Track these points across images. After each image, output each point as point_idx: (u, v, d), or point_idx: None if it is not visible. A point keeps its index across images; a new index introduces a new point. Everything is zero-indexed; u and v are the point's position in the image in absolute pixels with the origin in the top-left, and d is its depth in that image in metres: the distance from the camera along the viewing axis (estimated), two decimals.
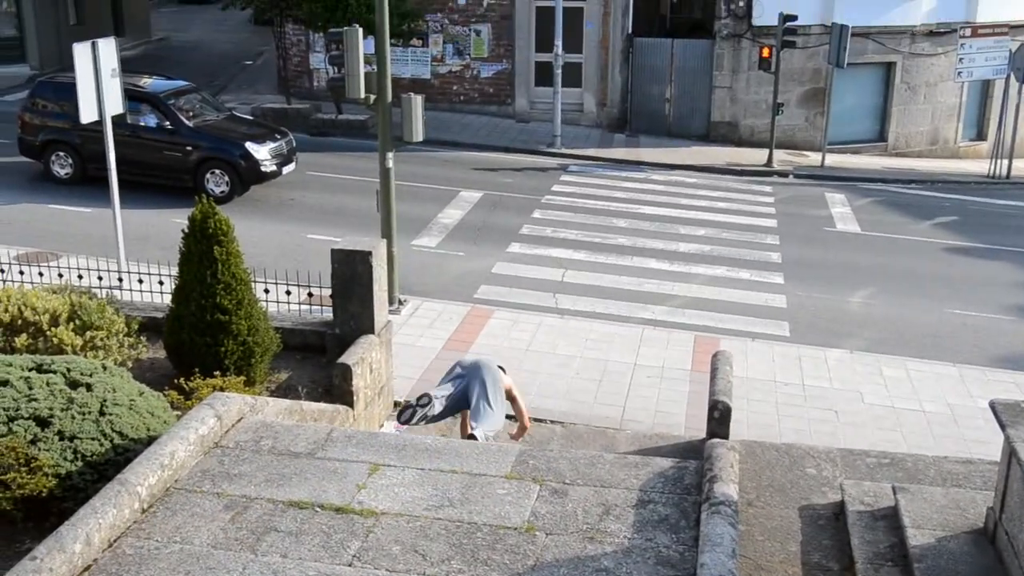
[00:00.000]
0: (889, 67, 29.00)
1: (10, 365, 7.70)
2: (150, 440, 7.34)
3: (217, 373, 9.78)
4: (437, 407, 9.64)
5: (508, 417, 10.45)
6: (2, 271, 12.69)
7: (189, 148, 19.98)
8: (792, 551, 6.93)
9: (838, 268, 18.58)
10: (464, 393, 9.84)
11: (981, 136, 30.91)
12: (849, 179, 25.76)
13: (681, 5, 34.17)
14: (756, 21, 27.78)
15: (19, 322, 9.75)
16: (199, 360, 9.95)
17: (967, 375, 14.01)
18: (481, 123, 28.83)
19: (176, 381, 9.85)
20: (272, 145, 20.61)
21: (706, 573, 5.94)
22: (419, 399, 9.57)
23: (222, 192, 19.94)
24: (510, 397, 10.25)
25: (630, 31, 28.62)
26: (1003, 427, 6.24)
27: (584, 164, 25.71)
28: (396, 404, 12.09)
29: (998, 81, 28.33)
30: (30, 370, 7.72)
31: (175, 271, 10.45)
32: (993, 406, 6.46)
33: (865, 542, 6.73)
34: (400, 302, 15.16)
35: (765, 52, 26.01)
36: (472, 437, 9.36)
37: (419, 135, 14.37)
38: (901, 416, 12.70)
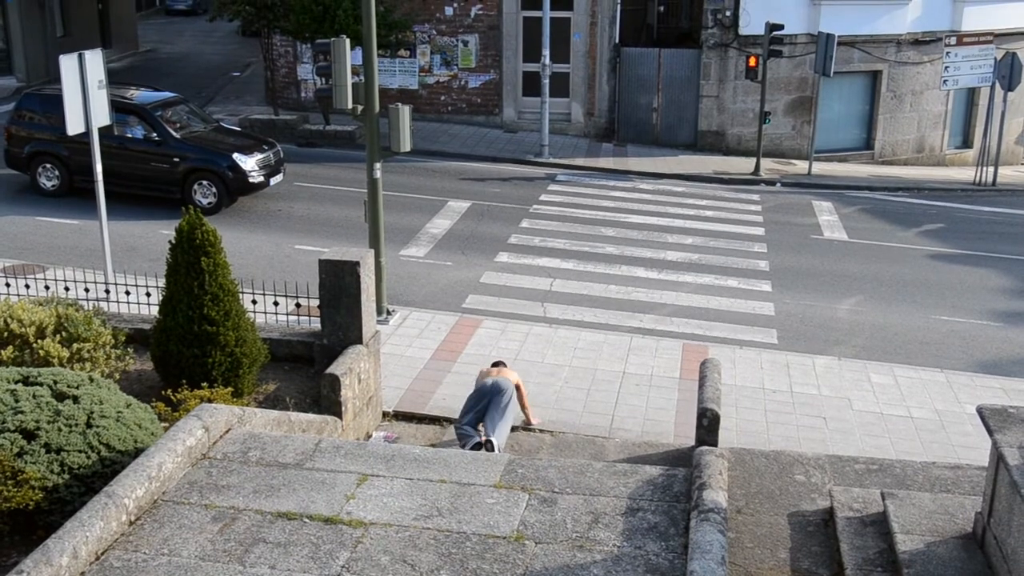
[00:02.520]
0: (875, 75, 29.13)
1: None
2: (137, 452, 7.32)
3: (204, 384, 9.75)
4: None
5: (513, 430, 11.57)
6: None
7: (176, 159, 19.95)
8: (781, 558, 6.93)
9: (826, 276, 18.62)
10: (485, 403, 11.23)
11: (967, 144, 31.06)
12: (836, 187, 25.83)
13: (668, 15, 34.28)
14: (743, 30, 27.87)
15: (5, 334, 9.71)
16: (186, 371, 9.93)
17: (955, 381, 14.04)
18: (469, 133, 28.85)
19: (163, 393, 9.83)
20: (260, 156, 20.59)
21: None
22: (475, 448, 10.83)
23: (209, 203, 19.90)
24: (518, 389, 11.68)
25: (617, 41, 28.70)
26: (991, 432, 6.26)
27: (572, 174, 25.73)
28: (385, 415, 12.09)
29: (983, 89, 28.47)
30: (16, 382, 7.68)
31: (162, 282, 10.43)
32: (981, 411, 6.48)
33: (854, 548, 6.73)
34: (388, 312, 15.14)
35: (752, 61, 26.10)
36: (489, 443, 10.73)
37: (407, 145, 14.36)
38: (889, 422, 12.72)
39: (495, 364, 12.08)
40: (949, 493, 7.60)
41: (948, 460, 10.34)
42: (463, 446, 10.91)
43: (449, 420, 12.10)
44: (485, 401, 11.29)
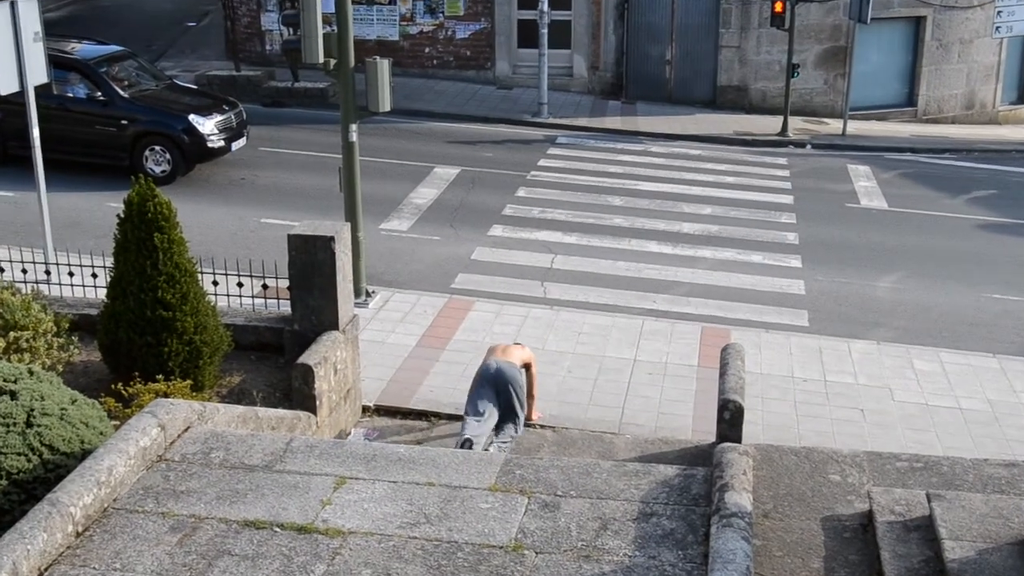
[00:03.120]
0: (918, 22, 29.07)
1: None
2: (84, 454, 7.32)
3: (160, 377, 9.76)
4: (482, 442, 10.62)
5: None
6: None
7: (124, 122, 19.88)
8: (815, 568, 6.95)
9: (863, 249, 18.64)
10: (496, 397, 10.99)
11: (1022, 99, 31.04)
12: (874, 149, 25.82)
13: None
14: None
15: None
16: (139, 362, 9.93)
17: (1009, 367, 14.08)
18: (457, 90, 28.78)
19: (113, 387, 9.82)
20: (219, 118, 20.53)
21: None
22: (463, 444, 10.42)
23: (163, 172, 19.85)
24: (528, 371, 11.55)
25: None
26: None
27: (574, 135, 25.69)
28: (365, 409, 12.11)
29: None
30: None
31: (110, 262, 10.41)
32: None
33: (896, 556, 6.76)
34: (368, 294, 15.15)
35: (778, 7, 26.02)
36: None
37: (386, 104, 14.33)
38: (935, 414, 12.75)
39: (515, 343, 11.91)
40: (1003, 494, 7.63)
41: (1002, 457, 10.39)
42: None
43: (437, 415, 12.12)
44: (492, 392, 10.93)
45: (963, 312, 16.09)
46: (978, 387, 13.48)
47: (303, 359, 10.35)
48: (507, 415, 11.00)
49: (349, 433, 11.43)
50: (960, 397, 13.22)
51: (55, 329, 10.28)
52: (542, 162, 23.06)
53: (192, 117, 20.08)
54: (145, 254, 9.90)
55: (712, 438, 9.84)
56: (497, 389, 10.97)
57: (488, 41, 29.56)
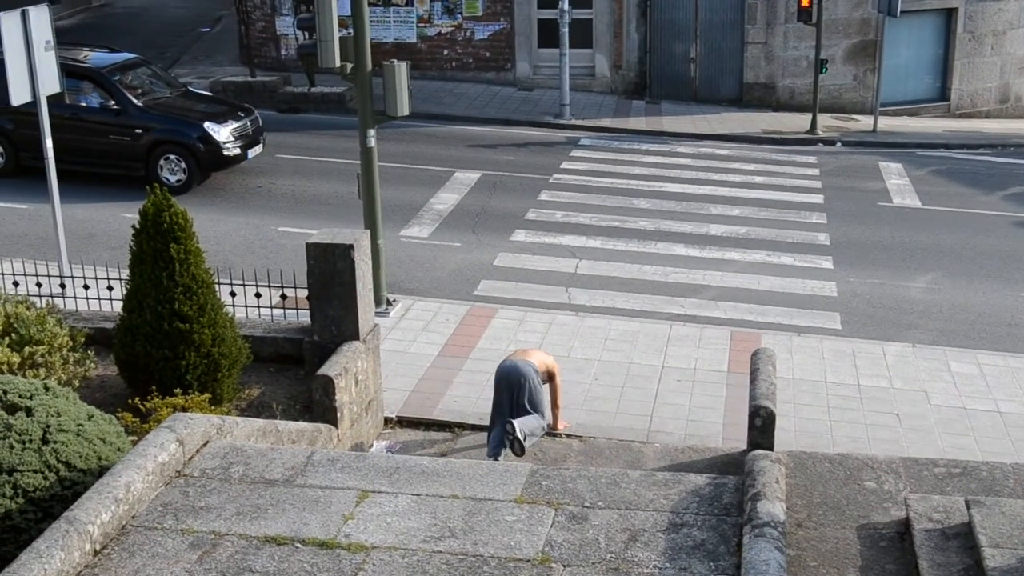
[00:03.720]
0: (950, 14, 28.95)
1: None
2: (102, 471, 7.34)
3: (178, 391, 9.79)
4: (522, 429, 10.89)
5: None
6: None
7: (139, 131, 19.98)
8: None
9: (896, 249, 18.56)
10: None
11: None
12: (906, 145, 25.71)
13: None
14: None
15: None
16: (156, 376, 9.96)
17: None
18: (477, 92, 28.82)
19: (130, 401, 9.87)
20: (235, 125, 20.62)
21: None
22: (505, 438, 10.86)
23: (178, 181, 19.95)
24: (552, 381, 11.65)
25: None
26: None
27: (597, 137, 25.68)
28: (387, 421, 12.12)
29: None
30: None
31: (126, 274, 10.46)
32: None
33: (935, 565, 6.72)
34: (388, 302, 15.17)
35: (804, 1, 25.97)
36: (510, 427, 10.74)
37: (405, 108, 14.35)
38: (973, 418, 12.68)
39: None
40: None
41: None
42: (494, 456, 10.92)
43: (461, 426, 12.12)
44: (506, 394, 11.13)
45: (1001, 312, 16.00)
46: (1018, 389, 13.40)
47: (323, 370, 10.37)
48: (521, 411, 11.01)
49: (371, 446, 11.44)
50: (999, 400, 13.14)
51: (71, 343, 10.32)
52: (565, 165, 23.06)
53: (207, 125, 20.17)
54: (161, 265, 9.94)
55: (743, 446, 9.81)
56: (510, 387, 11.06)
57: (508, 42, 29.58)
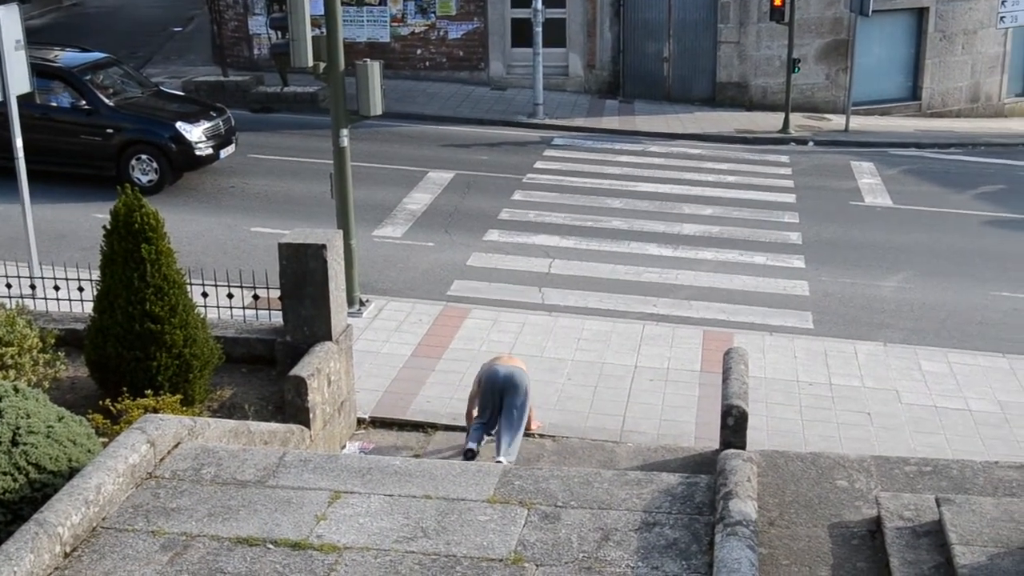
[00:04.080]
0: (921, 13, 29.12)
1: None
2: (72, 472, 7.32)
3: (149, 392, 9.75)
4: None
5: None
6: None
7: (110, 131, 19.88)
8: None
9: (868, 248, 18.65)
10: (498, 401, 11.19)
11: None
12: (878, 145, 25.84)
13: None
14: None
15: None
16: (127, 377, 9.92)
17: (1020, 367, 14.08)
18: (450, 92, 28.80)
19: (101, 403, 9.82)
20: (207, 125, 20.54)
21: None
22: (466, 455, 10.84)
23: (150, 181, 19.86)
24: None
25: None
26: None
27: (571, 136, 25.70)
28: (360, 422, 12.11)
29: None
30: None
31: (96, 275, 10.41)
32: None
33: (906, 563, 6.76)
34: (361, 303, 15.15)
35: (777, 0, 26.07)
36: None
37: (378, 108, 14.34)
38: (944, 416, 12.76)
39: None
40: (1015, 497, 7.63)
41: (1013, 459, 10.38)
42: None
43: (434, 426, 12.12)
44: (498, 398, 11.22)
45: (972, 311, 16.10)
46: (988, 388, 13.49)
47: (296, 371, 10.35)
48: (508, 418, 11.10)
49: (344, 446, 11.43)
50: (969, 398, 13.22)
51: (41, 345, 10.27)
52: (538, 164, 23.08)
53: (179, 125, 20.09)
54: (132, 266, 9.89)
55: (716, 445, 9.84)
56: (504, 395, 11.14)
57: (481, 41, 29.58)
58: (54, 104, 20.03)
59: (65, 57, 21.11)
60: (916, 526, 7.12)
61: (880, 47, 29.03)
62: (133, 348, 9.90)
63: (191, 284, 10.72)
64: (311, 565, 6.57)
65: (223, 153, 20.83)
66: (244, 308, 12.34)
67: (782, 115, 26.46)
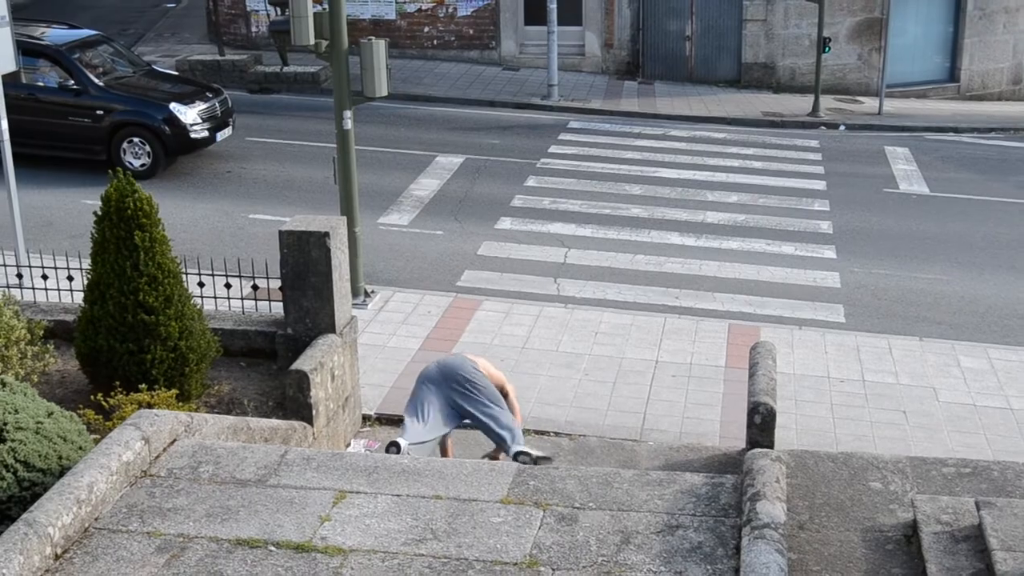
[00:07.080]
0: None
1: None
2: (62, 470, 7.34)
3: (143, 386, 9.77)
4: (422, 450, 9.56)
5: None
6: None
7: (100, 112, 19.93)
8: None
9: (902, 238, 18.63)
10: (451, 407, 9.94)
11: None
12: (913, 129, 25.80)
13: None
14: None
15: None
16: (120, 371, 9.94)
17: None
18: (459, 72, 28.80)
19: (93, 398, 9.84)
20: (203, 106, 20.58)
21: None
22: (387, 448, 9.42)
23: (142, 165, 19.91)
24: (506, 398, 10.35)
25: None
26: None
27: (587, 119, 25.70)
28: (365, 419, 12.13)
29: None
30: None
31: (87, 264, 10.43)
32: None
33: (944, 569, 6.75)
34: (366, 294, 15.17)
35: None
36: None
37: (383, 89, 14.34)
38: (984, 415, 12.74)
39: None
40: None
41: None
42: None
43: None
44: (442, 397, 10.02)
45: (1013, 304, 16.06)
46: None
47: (297, 365, 10.36)
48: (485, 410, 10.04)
49: (348, 444, 11.44)
50: (1011, 396, 13.19)
51: (29, 337, 10.29)
52: (553, 149, 23.07)
53: (173, 106, 20.13)
54: (125, 254, 9.90)
55: (741, 444, 9.84)
56: (447, 384, 10.09)
57: (492, 18, 29.57)
58: (41, 84, 20.08)
59: (52, 34, 21.15)
60: (955, 530, 7.11)
61: (916, 25, 28.96)
62: (126, 340, 9.92)
63: (187, 273, 10.73)
64: (315, 568, 6.58)
65: (219, 136, 20.87)
66: (243, 299, 12.36)
67: (811, 97, 26.42)
